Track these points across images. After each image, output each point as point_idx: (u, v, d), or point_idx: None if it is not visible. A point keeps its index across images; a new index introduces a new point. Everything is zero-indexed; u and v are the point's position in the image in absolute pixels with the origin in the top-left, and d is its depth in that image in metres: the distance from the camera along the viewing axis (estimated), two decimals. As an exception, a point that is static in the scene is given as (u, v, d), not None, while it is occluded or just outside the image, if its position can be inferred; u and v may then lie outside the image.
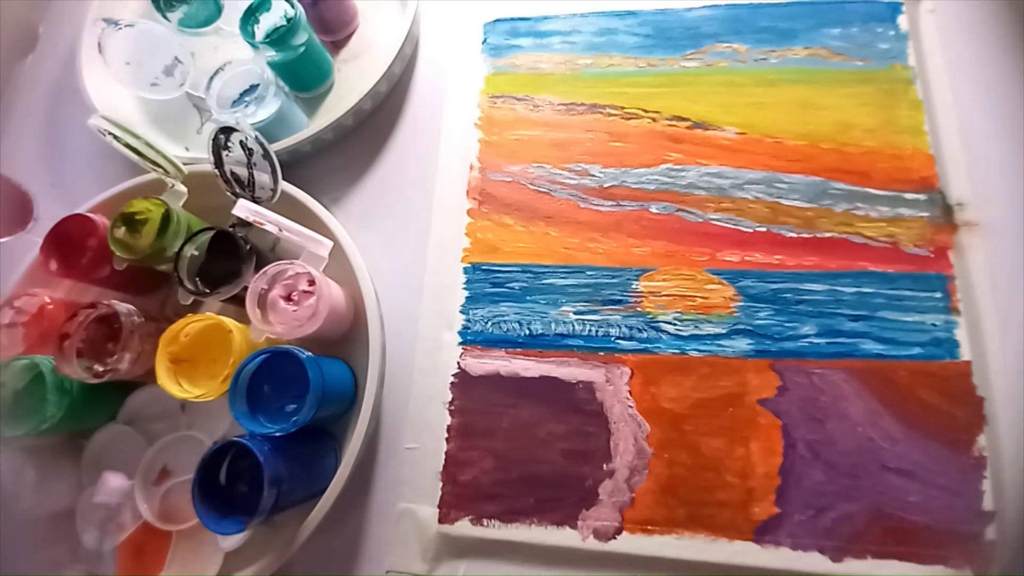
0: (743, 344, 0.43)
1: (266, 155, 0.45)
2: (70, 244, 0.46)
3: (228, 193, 0.46)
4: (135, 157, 0.46)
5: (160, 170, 0.47)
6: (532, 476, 0.42)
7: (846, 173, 0.46)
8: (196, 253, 0.45)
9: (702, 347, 0.44)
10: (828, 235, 0.45)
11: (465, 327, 0.47)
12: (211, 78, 0.52)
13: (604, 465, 0.42)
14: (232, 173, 0.46)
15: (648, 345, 0.44)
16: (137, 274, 0.48)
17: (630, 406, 0.43)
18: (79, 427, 0.46)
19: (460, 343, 0.46)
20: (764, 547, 0.39)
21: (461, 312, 0.47)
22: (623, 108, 0.51)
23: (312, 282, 0.42)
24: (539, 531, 0.41)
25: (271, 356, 0.40)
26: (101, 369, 0.41)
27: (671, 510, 0.40)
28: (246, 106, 0.51)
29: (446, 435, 0.44)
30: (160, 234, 0.45)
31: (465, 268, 0.48)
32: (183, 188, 0.48)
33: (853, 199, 0.45)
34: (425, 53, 0.58)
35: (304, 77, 0.56)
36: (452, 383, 0.45)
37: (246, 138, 0.44)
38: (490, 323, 0.47)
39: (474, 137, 0.53)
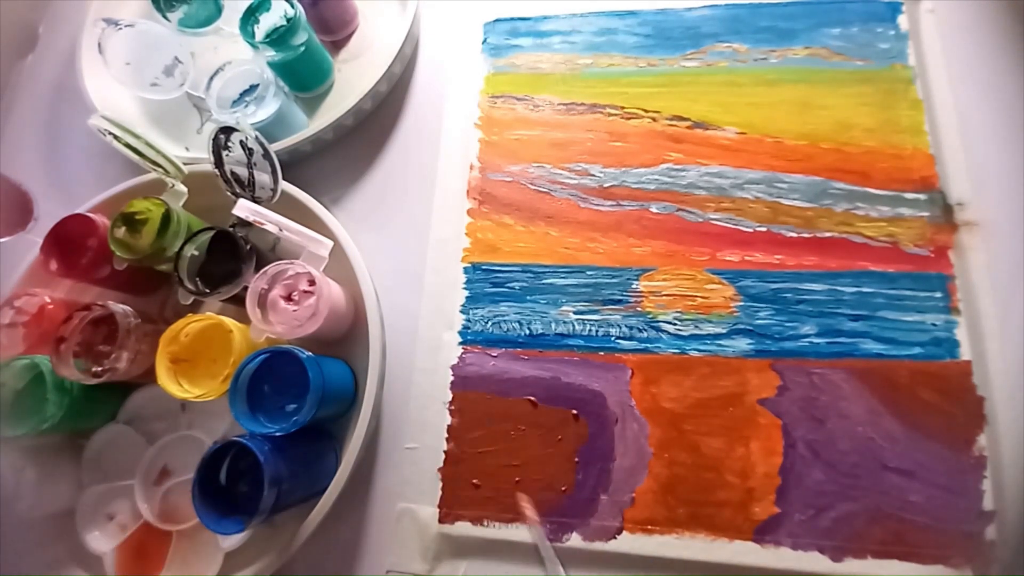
0: (743, 344, 0.43)
1: (266, 155, 0.45)
2: (70, 244, 0.46)
3: (228, 193, 0.46)
4: (135, 157, 0.46)
5: (160, 170, 0.47)
6: (532, 476, 0.42)
7: (846, 173, 0.46)
8: (196, 253, 0.45)
9: (702, 347, 0.44)
10: (828, 235, 0.45)
11: (465, 327, 0.47)
12: (211, 78, 0.52)
13: (604, 465, 0.42)
14: (232, 173, 0.46)
15: (648, 345, 0.44)
16: (137, 274, 0.48)
17: (630, 406, 0.43)
18: (79, 427, 0.45)
19: (460, 343, 0.46)
20: (764, 547, 0.39)
21: (461, 312, 0.47)
22: (623, 108, 0.51)
23: (312, 282, 0.42)
24: (539, 531, 0.41)
25: (271, 356, 0.40)
26: (99, 370, 0.41)
27: (671, 510, 0.40)
28: (246, 106, 0.51)
29: (446, 435, 0.44)
30: (160, 234, 0.45)
31: (465, 268, 0.48)
32: (183, 188, 0.48)
33: (853, 199, 0.45)
34: (425, 53, 0.58)
35: (304, 77, 0.56)
36: (452, 383, 0.45)
37: (246, 138, 0.44)
38: (490, 323, 0.47)
39: (474, 137, 0.53)
